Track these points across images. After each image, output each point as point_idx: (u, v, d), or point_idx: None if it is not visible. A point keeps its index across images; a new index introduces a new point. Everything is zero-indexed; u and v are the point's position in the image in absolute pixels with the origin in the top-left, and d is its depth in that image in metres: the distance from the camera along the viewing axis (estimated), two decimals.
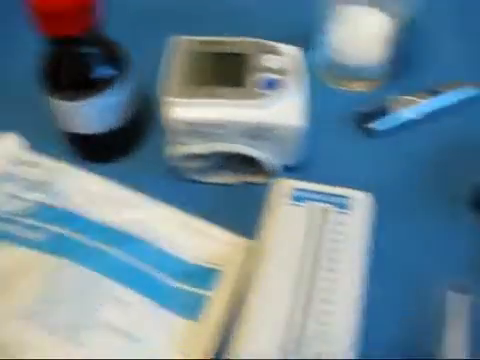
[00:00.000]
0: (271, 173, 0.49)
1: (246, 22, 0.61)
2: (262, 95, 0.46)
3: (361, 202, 0.46)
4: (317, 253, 0.42)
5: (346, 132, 0.54)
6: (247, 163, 0.50)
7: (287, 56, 0.50)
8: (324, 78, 0.58)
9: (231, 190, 0.50)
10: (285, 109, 0.47)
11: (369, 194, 0.46)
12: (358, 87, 0.57)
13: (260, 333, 0.38)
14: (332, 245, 0.43)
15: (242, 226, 0.46)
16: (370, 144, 0.53)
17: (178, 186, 0.50)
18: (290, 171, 0.50)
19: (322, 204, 0.45)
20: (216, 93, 0.46)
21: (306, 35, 0.57)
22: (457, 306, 0.43)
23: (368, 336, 0.41)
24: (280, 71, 0.48)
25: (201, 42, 0.50)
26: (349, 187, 0.46)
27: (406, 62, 0.59)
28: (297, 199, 0.45)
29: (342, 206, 0.45)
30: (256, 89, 0.47)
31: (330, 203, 0.45)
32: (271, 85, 0.47)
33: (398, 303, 0.44)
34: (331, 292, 0.41)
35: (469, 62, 0.59)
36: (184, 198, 0.49)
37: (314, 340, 0.38)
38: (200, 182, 0.51)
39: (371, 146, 0.53)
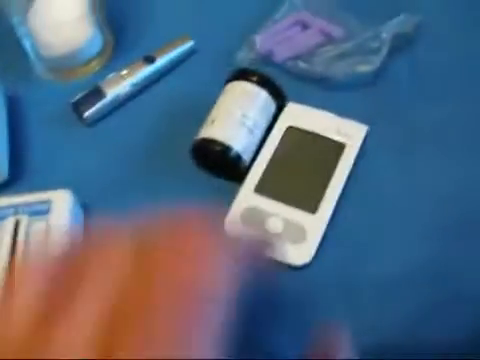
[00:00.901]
0: None
1: None
2: None
3: (63, 203, 0.43)
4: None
5: (65, 128, 0.51)
6: None
7: None
8: (40, 74, 0.55)
9: None
10: None
11: (69, 192, 0.43)
12: (76, 75, 0.54)
13: None
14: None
15: None
16: (89, 134, 0.51)
17: None
18: (3, 187, 0.47)
19: (19, 216, 0.42)
20: None
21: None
22: None
23: None
24: None
25: None
26: (68, 187, 0.44)
27: (122, 32, 0.56)
28: None
29: (42, 212, 0.42)
30: None
31: (28, 213, 0.42)
32: None
33: None
34: None
35: (189, 15, 0.57)
36: None
37: None
38: None
39: (90, 136, 0.51)
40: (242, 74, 0.48)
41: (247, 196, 0.44)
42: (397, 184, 0.46)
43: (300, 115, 0.47)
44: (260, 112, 0.46)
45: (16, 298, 0.19)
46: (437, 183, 0.46)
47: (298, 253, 0.41)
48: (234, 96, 0.47)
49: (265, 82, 0.47)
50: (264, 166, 0.45)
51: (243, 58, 0.53)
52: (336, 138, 0.46)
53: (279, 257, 0.41)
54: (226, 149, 0.44)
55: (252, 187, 0.44)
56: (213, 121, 0.46)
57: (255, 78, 0.47)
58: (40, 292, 0.19)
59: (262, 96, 0.47)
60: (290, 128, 0.47)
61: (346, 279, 0.41)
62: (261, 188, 0.44)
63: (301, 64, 0.51)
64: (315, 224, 0.42)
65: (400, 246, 0.43)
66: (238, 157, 0.44)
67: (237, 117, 0.45)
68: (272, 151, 0.46)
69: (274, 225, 0.42)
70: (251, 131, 0.45)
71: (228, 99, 0.47)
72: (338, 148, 0.46)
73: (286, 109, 0.48)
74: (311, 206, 0.43)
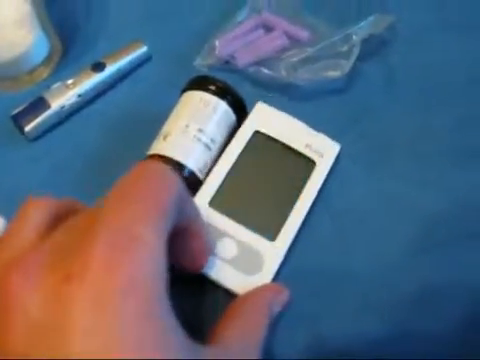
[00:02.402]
0: None
1: None
2: None
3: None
4: None
5: (3, 143, 0.46)
6: None
7: None
8: None
9: None
10: None
11: (1, 218, 0.39)
12: (19, 85, 0.49)
13: None
14: None
15: None
16: (31, 150, 0.46)
17: None
18: None
19: None
20: None
21: None
22: None
23: None
24: None
25: None
26: (4, 210, 0.39)
27: (72, 39, 0.51)
28: None
29: None
30: None
31: None
32: None
33: None
34: None
35: (143, 19, 0.52)
36: None
37: None
38: None
39: (32, 152, 0.46)
40: (200, 83, 0.43)
41: (200, 209, 0.38)
42: (369, 203, 0.42)
43: (269, 119, 0.42)
44: (218, 126, 0.42)
45: None
46: (414, 198, 0.42)
47: (251, 285, 0.37)
48: (190, 108, 0.42)
49: (225, 92, 0.43)
50: (223, 175, 0.40)
51: (201, 64, 0.48)
52: (306, 154, 0.42)
53: (228, 285, 0.36)
54: (178, 168, 0.39)
55: (207, 199, 0.39)
56: (165, 136, 0.41)
57: (214, 87, 0.42)
58: None
59: (221, 108, 0.42)
60: (257, 133, 0.42)
61: (305, 310, 0.37)
62: (217, 202, 0.39)
63: (264, 70, 0.47)
64: (273, 254, 0.38)
65: (374, 279, 0.38)
66: (192, 176, 0.40)
67: (192, 132, 0.41)
68: (234, 158, 0.41)
69: (227, 248, 0.38)
70: (208, 147, 0.41)
71: (183, 111, 0.42)
72: (307, 166, 0.41)
73: (255, 109, 0.43)
74: (270, 232, 0.38)
